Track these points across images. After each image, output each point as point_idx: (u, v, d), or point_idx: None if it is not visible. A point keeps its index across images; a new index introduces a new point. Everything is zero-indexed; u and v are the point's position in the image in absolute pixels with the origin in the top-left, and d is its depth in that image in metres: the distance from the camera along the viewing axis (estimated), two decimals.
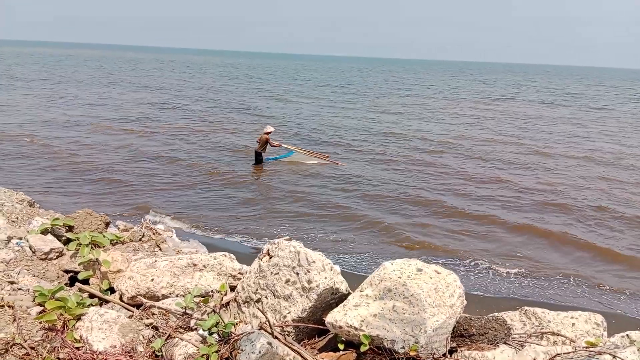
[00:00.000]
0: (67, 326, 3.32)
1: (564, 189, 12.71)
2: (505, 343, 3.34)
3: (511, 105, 34.10)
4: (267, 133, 13.90)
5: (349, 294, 3.56)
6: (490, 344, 3.27)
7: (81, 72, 48.28)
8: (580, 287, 7.69)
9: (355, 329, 3.11)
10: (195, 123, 21.07)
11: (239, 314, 3.70)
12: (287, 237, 3.79)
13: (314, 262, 3.50)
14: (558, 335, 3.52)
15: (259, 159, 14.16)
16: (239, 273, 4.05)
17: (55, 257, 4.42)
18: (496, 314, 3.82)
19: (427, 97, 38.79)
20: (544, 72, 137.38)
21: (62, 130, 17.93)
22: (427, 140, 19.16)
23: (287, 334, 3.39)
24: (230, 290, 3.91)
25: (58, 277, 4.26)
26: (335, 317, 3.23)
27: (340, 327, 3.18)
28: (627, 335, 3.19)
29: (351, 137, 19.10)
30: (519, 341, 3.41)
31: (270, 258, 3.67)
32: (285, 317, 3.46)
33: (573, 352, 2.99)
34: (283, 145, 14.72)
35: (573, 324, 3.60)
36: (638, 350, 2.83)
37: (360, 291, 3.41)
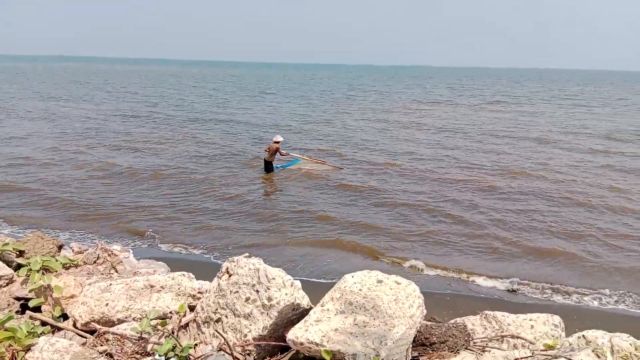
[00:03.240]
0: (15, 358, 3.16)
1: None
2: (466, 349, 3.36)
3: None
4: (277, 142, 14.13)
5: (310, 308, 3.51)
6: (451, 351, 3.28)
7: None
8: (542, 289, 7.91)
9: (317, 344, 3.06)
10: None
11: (199, 334, 3.60)
12: (247, 255, 3.72)
13: (273, 278, 3.44)
14: (517, 337, 3.56)
15: (268, 168, 14.31)
16: (199, 292, 3.94)
17: (5, 284, 4.21)
18: (457, 320, 3.84)
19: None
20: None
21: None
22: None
23: (248, 354, 3.32)
24: (190, 311, 3.81)
25: (8, 304, 4.06)
26: (296, 334, 3.17)
27: (302, 343, 3.12)
28: (583, 336, 3.24)
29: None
30: (480, 346, 3.43)
31: (230, 276, 3.58)
32: (246, 335, 3.39)
33: (531, 356, 3.02)
34: (290, 154, 15.21)
35: (532, 326, 3.65)
36: (593, 352, 2.88)
37: (322, 305, 3.36)
